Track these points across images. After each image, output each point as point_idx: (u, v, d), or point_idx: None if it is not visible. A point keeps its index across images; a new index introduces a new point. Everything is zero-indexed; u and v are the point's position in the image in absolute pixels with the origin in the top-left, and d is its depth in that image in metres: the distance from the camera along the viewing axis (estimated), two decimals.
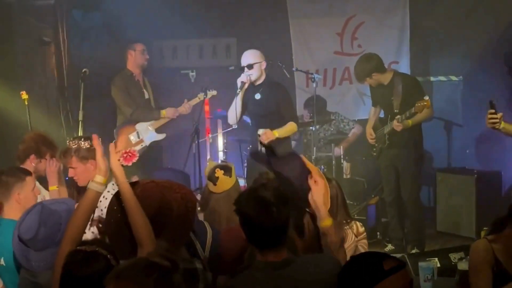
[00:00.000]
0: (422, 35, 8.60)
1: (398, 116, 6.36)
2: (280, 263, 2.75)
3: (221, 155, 8.18)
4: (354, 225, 4.23)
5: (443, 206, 7.43)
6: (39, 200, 4.37)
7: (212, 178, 4.19)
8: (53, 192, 4.71)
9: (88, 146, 4.31)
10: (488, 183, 7.22)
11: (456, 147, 8.55)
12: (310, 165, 3.18)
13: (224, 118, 8.03)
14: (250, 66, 6.39)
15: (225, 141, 8.20)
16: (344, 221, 4.17)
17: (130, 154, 2.94)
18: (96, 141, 3.05)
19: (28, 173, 4.32)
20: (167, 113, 7.20)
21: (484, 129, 8.37)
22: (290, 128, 6.38)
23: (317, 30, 8.95)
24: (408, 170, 6.60)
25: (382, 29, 8.67)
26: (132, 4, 8.08)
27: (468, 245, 6.44)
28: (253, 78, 6.42)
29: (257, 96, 6.44)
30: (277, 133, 6.23)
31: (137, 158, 3.02)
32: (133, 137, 7.12)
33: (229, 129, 7.96)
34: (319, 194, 3.05)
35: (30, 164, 4.95)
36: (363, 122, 8.29)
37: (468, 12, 8.16)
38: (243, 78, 6.41)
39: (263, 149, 5.92)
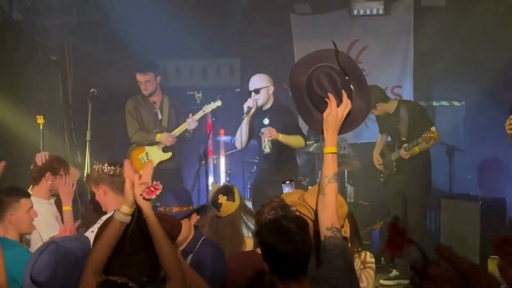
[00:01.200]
0: (426, 61, 8.64)
1: (406, 145, 6.39)
2: None
3: (224, 177, 8.17)
4: (363, 254, 4.23)
5: (447, 233, 7.41)
6: (35, 222, 4.38)
7: (216, 205, 4.21)
8: (67, 213, 4.73)
9: (112, 172, 4.28)
10: (492, 210, 7.20)
11: (458, 172, 8.56)
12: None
13: (226, 140, 8.08)
14: (257, 91, 6.35)
15: (228, 162, 8.19)
16: (355, 249, 4.16)
17: (153, 188, 2.90)
18: (128, 170, 2.97)
19: (25, 195, 4.37)
20: (161, 138, 7.05)
21: (487, 155, 8.50)
22: (295, 139, 6.30)
23: None
24: (416, 197, 6.64)
25: (386, 54, 8.73)
26: (137, 24, 8.11)
27: None
28: (260, 102, 6.37)
29: (266, 121, 6.41)
30: (281, 136, 6.19)
31: (160, 191, 2.99)
32: (142, 158, 7.11)
33: (232, 151, 7.97)
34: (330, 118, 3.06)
35: (46, 182, 5.03)
36: (365, 146, 8.34)
37: (471, 38, 8.21)
38: (249, 103, 6.36)
39: (266, 147, 6.00)
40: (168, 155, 7.14)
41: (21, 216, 4.22)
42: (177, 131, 7.03)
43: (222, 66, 9.42)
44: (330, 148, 3.08)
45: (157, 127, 7.15)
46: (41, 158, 5.06)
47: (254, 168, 7.83)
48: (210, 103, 6.99)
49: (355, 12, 8.65)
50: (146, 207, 2.89)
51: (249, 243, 4.27)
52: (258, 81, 6.44)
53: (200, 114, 7.00)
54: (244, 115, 6.40)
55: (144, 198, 2.89)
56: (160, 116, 7.22)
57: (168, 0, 8.07)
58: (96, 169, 4.36)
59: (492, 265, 5.82)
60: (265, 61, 8.83)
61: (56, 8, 7.52)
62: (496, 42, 8.08)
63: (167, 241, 2.79)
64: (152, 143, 7.10)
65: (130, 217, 2.94)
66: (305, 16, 9.03)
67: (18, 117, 7.05)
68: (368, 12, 8.62)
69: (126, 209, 2.91)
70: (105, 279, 2.62)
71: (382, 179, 6.94)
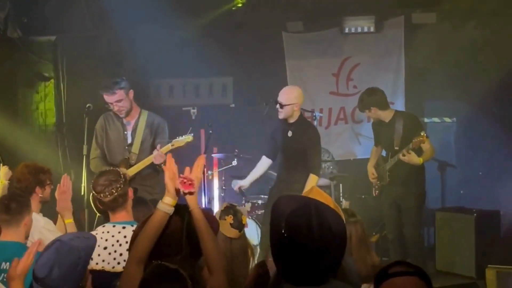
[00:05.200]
0: (417, 77, 8.73)
1: (404, 150, 6.44)
2: None
3: (218, 193, 8.17)
4: None
5: (442, 245, 7.45)
6: (44, 238, 4.37)
7: (240, 227, 4.12)
8: (70, 225, 4.68)
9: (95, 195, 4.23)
10: (487, 222, 7.28)
11: (450, 187, 8.64)
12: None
13: (220, 157, 8.10)
14: (281, 106, 6.41)
15: (223, 178, 8.20)
16: (371, 262, 4.00)
17: (186, 180, 2.96)
18: (169, 162, 3.06)
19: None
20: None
21: (478, 170, 8.58)
22: (311, 185, 5.96)
23: (313, 71, 9.09)
24: (410, 207, 6.66)
25: (378, 71, 8.82)
26: (130, 43, 8.17)
27: (467, 283, 6.52)
28: (281, 116, 6.47)
29: (289, 133, 6.49)
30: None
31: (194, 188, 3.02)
32: None
33: (227, 167, 8.00)
34: None
35: (37, 196, 4.99)
36: (359, 162, 8.39)
37: (461, 55, 8.32)
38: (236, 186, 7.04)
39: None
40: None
41: (31, 217, 4.29)
42: (137, 168, 6.14)
43: (215, 84, 9.48)
44: None
45: (125, 154, 6.27)
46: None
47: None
48: (180, 137, 6.15)
49: (346, 30, 8.76)
50: (190, 200, 2.96)
51: None
52: (285, 95, 6.46)
53: (168, 148, 6.09)
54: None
55: (183, 192, 2.96)
56: (129, 140, 6.33)
57: (162, 18, 8.10)
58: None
59: (490, 275, 5.86)
60: (258, 79, 8.92)
61: (52, 25, 7.53)
62: (486, 58, 8.18)
63: (211, 235, 2.85)
64: None
65: (173, 208, 3.00)
66: (297, 34, 9.12)
67: (12, 133, 7.04)
68: (359, 30, 8.73)
69: (169, 200, 2.99)
70: (159, 263, 2.66)
71: (376, 191, 6.96)
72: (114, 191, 4.13)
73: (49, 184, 5.07)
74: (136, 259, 2.86)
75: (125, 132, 6.32)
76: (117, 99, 6.17)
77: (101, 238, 4.00)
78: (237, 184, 7.05)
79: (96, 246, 3.89)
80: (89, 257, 3.38)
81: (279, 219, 2.47)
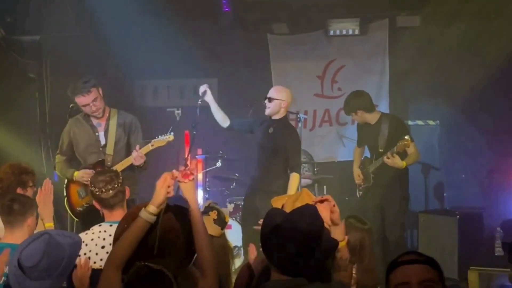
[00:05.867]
0: (401, 80, 8.77)
1: (388, 153, 6.46)
2: None
3: (202, 194, 8.16)
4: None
5: (425, 247, 7.46)
6: None
7: (222, 224, 4.15)
8: (50, 229, 4.65)
9: (93, 189, 4.26)
10: (470, 224, 7.31)
11: (433, 190, 8.69)
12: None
13: (204, 158, 8.10)
14: (270, 100, 6.45)
15: (207, 179, 8.19)
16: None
17: (188, 172, 3.00)
18: (166, 174, 3.05)
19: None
20: (78, 176, 5.95)
21: (462, 173, 8.64)
22: (295, 184, 6.29)
23: (298, 73, 9.13)
24: (394, 209, 6.69)
25: (362, 73, 8.86)
26: (115, 44, 8.14)
27: (450, 285, 6.55)
28: (268, 112, 6.49)
29: (271, 130, 6.50)
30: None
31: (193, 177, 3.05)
32: (81, 192, 6.02)
33: (211, 168, 7.99)
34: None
35: None
36: (343, 164, 8.41)
37: (445, 57, 8.38)
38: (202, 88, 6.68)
39: None
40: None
41: (34, 217, 4.28)
42: (145, 149, 5.93)
43: (199, 85, 9.42)
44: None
45: (100, 155, 6.02)
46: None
47: (234, 184, 7.86)
48: (161, 136, 6.00)
49: (331, 32, 8.78)
50: (191, 199, 2.98)
51: None
52: (276, 91, 6.56)
53: (147, 148, 5.92)
54: (200, 100, 6.62)
55: (179, 181, 2.98)
56: (103, 142, 6.07)
57: (146, 20, 8.08)
58: (92, 187, 4.33)
59: (472, 277, 5.89)
60: (243, 81, 8.92)
61: (36, 24, 7.48)
62: (470, 61, 8.25)
63: (207, 236, 2.84)
64: (70, 180, 6.06)
65: (155, 217, 2.99)
66: (282, 36, 9.16)
67: None
68: (344, 32, 8.75)
69: (153, 209, 2.98)
70: (142, 264, 2.66)
71: (360, 192, 6.98)
72: (116, 186, 4.17)
73: (31, 186, 5.04)
74: (114, 265, 2.86)
75: (97, 134, 6.10)
76: (93, 97, 5.90)
77: (99, 237, 3.98)
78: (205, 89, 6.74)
79: (93, 245, 3.91)
80: (74, 257, 3.37)
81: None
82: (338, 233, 3.04)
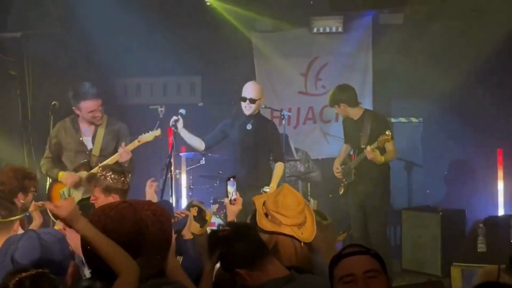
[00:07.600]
0: (384, 78, 8.79)
1: (369, 146, 6.47)
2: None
3: (186, 192, 8.12)
4: None
5: (408, 244, 7.51)
6: None
7: (202, 222, 4.13)
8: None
9: (114, 180, 4.25)
10: (452, 221, 7.37)
11: (416, 187, 8.72)
12: None
13: (188, 156, 8.06)
14: (253, 101, 6.45)
15: (190, 177, 8.15)
16: None
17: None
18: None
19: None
20: (62, 177, 5.94)
21: (444, 170, 8.69)
22: (279, 172, 6.44)
23: (282, 70, 9.11)
24: (376, 206, 6.71)
25: (346, 71, 8.86)
26: (97, 41, 8.09)
27: (433, 281, 6.57)
28: (249, 112, 6.49)
29: (249, 126, 6.51)
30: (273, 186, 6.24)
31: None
32: (63, 194, 6.00)
33: (195, 166, 7.95)
34: None
35: (19, 202, 4.79)
36: (326, 161, 8.41)
37: (428, 55, 8.42)
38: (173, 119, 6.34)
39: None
40: (79, 192, 5.91)
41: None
42: (132, 146, 5.98)
43: (183, 83, 9.44)
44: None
45: (86, 157, 6.02)
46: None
47: (217, 182, 7.83)
48: (147, 132, 6.00)
49: (315, 30, 8.78)
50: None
51: None
52: (254, 91, 6.54)
53: (134, 144, 5.94)
54: (175, 130, 6.34)
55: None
56: (90, 146, 6.09)
57: (129, 17, 8.04)
58: (110, 178, 4.37)
59: (455, 273, 5.90)
60: (226, 78, 8.88)
61: (17, 21, 7.42)
62: (452, 59, 8.29)
63: (103, 240, 2.65)
64: (55, 180, 6.06)
65: None
66: (265, 33, 9.14)
67: None
68: (327, 30, 8.76)
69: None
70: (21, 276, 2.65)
71: (342, 189, 6.99)
72: (128, 180, 4.32)
73: (32, 191, 4.93)
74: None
75: (81, 139, 6.10)
76: (100, 104, 5.93)
77: None
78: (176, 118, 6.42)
79: None
80: (66, 250, 3.33)
81: None
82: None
